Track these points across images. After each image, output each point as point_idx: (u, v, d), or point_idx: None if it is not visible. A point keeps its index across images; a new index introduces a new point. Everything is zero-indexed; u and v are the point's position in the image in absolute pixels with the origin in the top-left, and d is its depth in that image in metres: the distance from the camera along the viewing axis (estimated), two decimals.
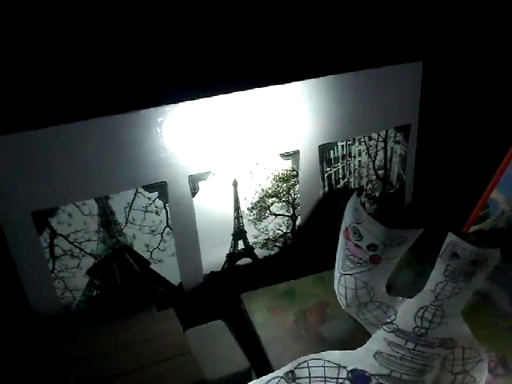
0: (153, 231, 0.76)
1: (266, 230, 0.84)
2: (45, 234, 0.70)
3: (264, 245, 0.85)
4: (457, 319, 0.66)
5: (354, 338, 0.66)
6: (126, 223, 0.74)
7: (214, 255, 0.81)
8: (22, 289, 0.71)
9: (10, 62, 0.65)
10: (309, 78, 0.78)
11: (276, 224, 0.84)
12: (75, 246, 0.72)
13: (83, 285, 0.74)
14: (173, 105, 0.71)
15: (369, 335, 0.66)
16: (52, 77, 0.68)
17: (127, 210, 0.73)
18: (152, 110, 0.70)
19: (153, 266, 0.78)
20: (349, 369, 0.60)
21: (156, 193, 0.74)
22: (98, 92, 0.71)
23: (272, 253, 0.86)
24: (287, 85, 0.77)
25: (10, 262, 0.69)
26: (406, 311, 0.69)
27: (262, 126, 0.77)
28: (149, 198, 0.74)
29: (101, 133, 0.68)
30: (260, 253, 0.85)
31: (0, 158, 0.64)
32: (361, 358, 0.62)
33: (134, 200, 0.73)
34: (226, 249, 0.82)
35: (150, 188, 0.73)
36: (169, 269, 0.79)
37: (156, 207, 0.75)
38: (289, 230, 0.86)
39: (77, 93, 0.70)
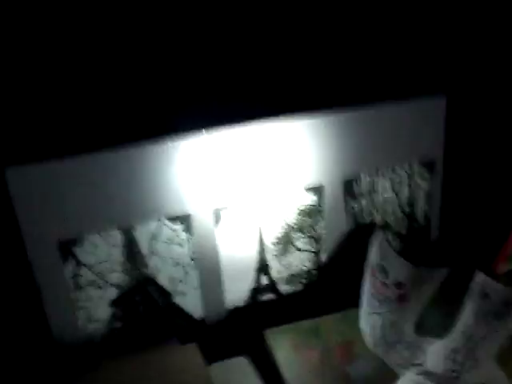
0: (177, 264, 0.75)
1: (290, 265, 0.83)
2: (70, 263, 0.70)
3: (288, 280, 0.83)
4: (491, 363, 0.64)
5: (382, 379, 0.64)
6: (150, 255, 0.73)
7: (237, 289, 0.80)
8: (45, 317, 0.71)
9: (40, 88, 0.67)
10: (334, 112, 0.78)
11: (300, 259, 0.83)
12: (99, 276, 0.72)
13: (106, 316, 0.74)
14: (197, 136, 0.71)
15: (396, 376, 0.63)
16: (78, 106, 0.69)
17: (151, 241, 0.73)
18: (177, 142, 0.70)
19: (176, 299, 0.77)
20: None
21: (180, 225, 0.74)
22: (124, 122, 0.72)
23: (296, 289, 0.84)
24: (313, 120, 0.77)
25: (35, 290, 0.69)
26: (435, 353, 0.66)
27: (286, 159, 0.77)
28: (173, 230, 0.73)
29: (127, 163, 0.69)
30: (284, 289, 0.84)
31: (27, 187, 0.65)
32: None
33: (158, 231, 0.73)
34: (250, 283, 0.81)
35: (174, 220, 0.73)
36: (191, 302, 0.78)
37: (180, 239, 0.74)
38: (313, 266, 0.84)
39: (104, 123, 0.71)
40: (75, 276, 0.70)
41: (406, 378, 0.62)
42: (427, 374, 0.63)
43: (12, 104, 0.65)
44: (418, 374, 0.63)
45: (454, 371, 0.64)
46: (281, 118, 0.75)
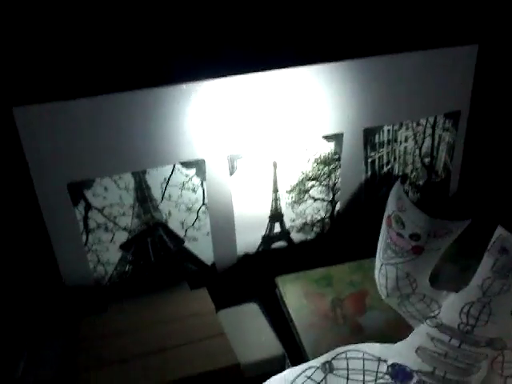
0: (189, 209, 0.74)
1: (304, 213, 0.81)
2: (80, 206, 0.68)
3: (301, 229, 0.82)
4: (506, 318, 0.62)
5: (395, 331, 0.63)
6: (162, 199, 0.72)
7: (249, 237, 0.79)
8: (55, 259, 0.70)
9: (54, 26, 0.63)
10: (357, 58, 0.74)
11: (314, 208, 0.81)
12: (109, 219, 0.70)
13: (116, 259, 0.73)
14: (215, 80, 0.68)
15: (410, 329, 0.63)
16: (94, 46, 0.66)
17: (164, 185, 0.71)
18: (194, 84, 0.67)
19: (187, 244, 0.76)
20: (389, 363, 0.57)
21: (193, 170, 0.72)
22: (139, 64, 0.68)
23: (309, 237, 0.83)
24: (333, 63, 0.73)
25: (44, 232, 0.68)
26: (450, 306, 0.65)
27: (305, 106, 0.74)
28: (186, 175, 0.71)
29: (141, 105, 0.66)
30: (296, 237, 0.82)
31: (38, 127, 0.63)
32: (402, 352, 0.59)
33: (171, 176, 0.71)
34: (262, 231, 0.80)
35: (187, 165, 0.71)
36: (203, 248, 0.77)
37: (193, 185, 0.72)
38: (327, 215, 0.83)
39: (119, 64, 0.68)
40: (85, 219, 0.69)
41: (419, 331, 0.61)
42: (441, 326, 0.62)
43: (24, 42, 0.62)
44: (432, 327, 0.62)
45: (468, 325, 0.63)
46: (301, 62, 0.72)
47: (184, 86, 0.67)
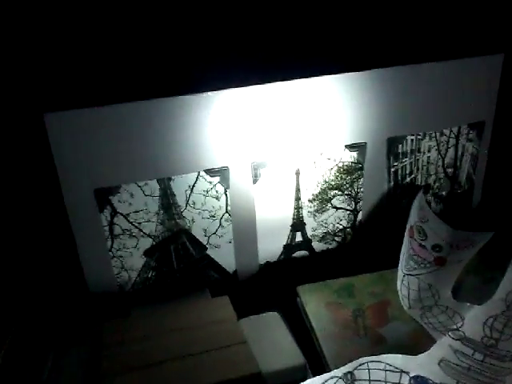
0: (212, 216, 0.74)
1: (326, 223, 0.81)
2: (106, 212, 0.69)
3: (322, 238, 0.82)
4: None
5: (417, 343, 0.63)
6: (186, 206, 0.73)
7: (270, 245, 0.79)
8: (80, 264, 0.72)
9: (83, 34, 0.65)
10: (381, 67, 0.74)
11: (336, 218, 0.81)
12: (134, 225, 0.71)
13: (139, 265, 0.74)
14: (240, 88, 0.69)
15: (432, 341, 0.62)
16: (120, 54, 0.67)
17: (188, 192, 0.72)
18: (219, 92, 0.68)
19: (209, 252, 0.76)
20: (411, 375, 0.57)
21: (217, 178, 0.72)
22: (165, 72, 0.69)
23: (330, 247, 0.83)
24: (357, 73, 0.73)
25: (71, 238, 0.70)
26: (473, 319, 0.65)
27: (328, 115, 0.74)
28: (210, 183, 0.72)
29: (168, 113, 0.67)
30: (318, 246, 0.82)
31: (67, 133, 0.64)
32: (424, 364, 0.58)
33: (195, 183, 0.72)
34: (284, 240, 0.80)
35: (211, 172, 0.72)
36: (225, 255, 0.77)
37: (216, 192, 0.73)
38: (349, 225, 0.83)
39: (145, 73, 0.69)
40: (111, 224, 0.70)
41: (442, 343, 0.61)
42: (464, 339, 0.62)
43: (56, 48, 0.63)
44: (455, 339, 0.62)
45: (492, 338, 0.62)
46: (325, 72, 0.72)
47: (208, 94, 0.68)
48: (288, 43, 0.72)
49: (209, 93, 0.68)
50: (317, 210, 0.80)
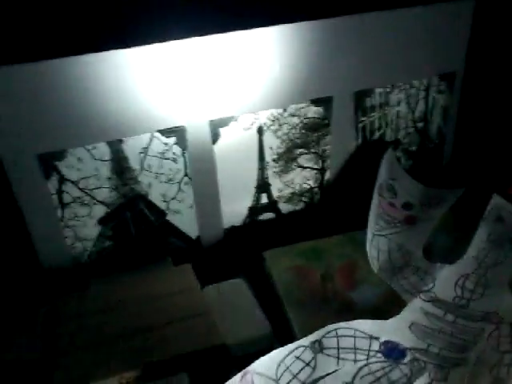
0: (170, 180, 0.69)
1: (292, 183, 0.77)
2: (52, 179, 0.64)
3: (289, 199, 0.78)
4: (503, 291, 0.60)
5: (387, 306, 0.61)
6: (141, 170, 0.67)
7: (235, 208, 0.75)
8: (30, 237, 0.66)
9: None
10: (345, 14, 0.69)
11: (303, 177, 0.77)
12: (85, 192, 0.66)
13: (94, 235, 0.69)
14: (194, 38, 0.63)
15: (404, 303, 0.60)
16: (60, 6, 0.60)
17: (142, 155, 0.67)
18: (171, 43, 0.62)
19: (169, 218, 0.72)
20: (381, 340, 0.55)
21: (173, 138, 0.67)
22: (111, 23, 0.63)
23: (297, 208, 0.80)
24: (319, 21, 0.68)
25: (16, 208, 0.64)
26: (445, 279, 0.63)
27: (291, 67, 0.69)
28: (166, 144, 0.67)
29: (115, 67, 0.61)
30: (284, 208, 0.79)
31: (2, 91, 0.57)
32: (395, 328, 0.56)
33: (149, 145, 0.66)
34: (248, 202, 0.76)
35: (166, 133, 0.66)
36: (186, 221, 0.73)
37: (173, 154, 0.68)
38: (317, 185, 0.79)
39: (88, 23, 0.62)
40: (59, 192, 0.65)
41: (413, 306, 0.59)
42: (436, 300, 0.60)
43: None
44: (426, 301, 0.60)
45: (463, 298, 0.61)
46: (284, 20, 0.66)
47: (160, 45, 0.62)
48: None
49: (158, 44, 0.62)
50: (282, 170, 0.76)
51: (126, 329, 0.59)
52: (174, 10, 0.65)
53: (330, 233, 0.74)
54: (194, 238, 0.75)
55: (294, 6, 0.69)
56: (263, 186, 0.76)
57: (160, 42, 0.62)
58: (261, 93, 0.69)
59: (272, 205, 0.78)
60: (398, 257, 0.67)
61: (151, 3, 0.63)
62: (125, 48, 0.61)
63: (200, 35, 0.63)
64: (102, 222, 0.69)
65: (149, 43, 0.61)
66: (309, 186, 0.79)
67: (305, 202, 0.80)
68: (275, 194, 0.77)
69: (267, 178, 0.75)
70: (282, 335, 0.61)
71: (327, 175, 0.79)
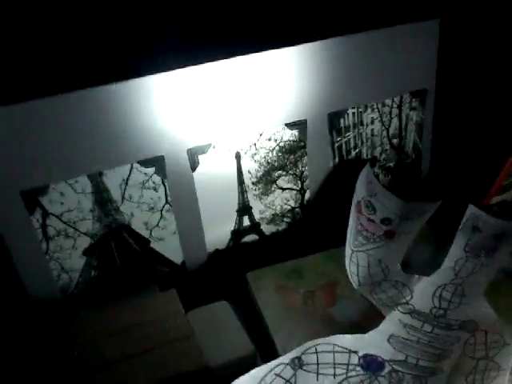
0: (151, 208, 0.71)
1: (273, 204, 0.79)
2: (36, 213, 0.66)
3: (271, 220, 0.80)
4: (479, 299, 0.61)
5: (367, 320, 0.62)
6: (123, 201, 0.69)
7: (218, 232, 0.77)
8: (16, 271, 0.68)
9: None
10: (315, 40, 0.71)
11: (283, 198, 0.79)
12: (69, 225, 0.68)
13: (80, 266, 0.71)
14: (168, 72, 0.65)
15: (382, 317, 0.61)
16: (40, 45, 0.63)
17: (123, 186, 0.69)
18: (146, 78, 0.64)
19: (153, 245, 0.73)
20: (360, 354, 0.56)
21: (153, 168, 0.69)
22: (87, 61, 0.65)
23: (279, 229, 0.81)
24: (291, 48, 0.70)
25: (1, 243, 0.66)
26: (422, 291, 0.64)
27: (265, 93, 0.72)
28: (145, 174, 0.69)
29: (92, 104, 0.63)
30: (267, 229, 0.80)
31: None
32: (374, 342, 0.57)
33: (129, 176, 0.68)
34: (231, 225, 0.78)
35: (146, 163, 0.68)
36: (170, 247, 0.75)
37: (154, 183, 0.70)
38: (297, 205, 0.81)
39: (65, 62, 0.65)
40: (43, 226, 0.67)
41: (391, 318, 0.60)
42: (414, 312, 0.61)
43: None
44: (404, 313, 0.61)
45: (441, 308, 0.62)
46: (257, 49, 0.69)
47: (136, 80, 0.64)
48: (218, 20, 0.69)
49: (135, 79, 0.64)
50: (262, 193, 0.77)
51: (112, 357, 0.60)
52: (143, 49, 0.67)
53: (313, 250, 0.75)
54: (178, 263, 0.76)
55: (264, 34, 0.72)
56: (244, 209, 0.77)
57: (138, 76, 0.64)
58: (237, 119, 0.71)
59: (254, 227, 0.79)
60: (377, 271, 0.68)
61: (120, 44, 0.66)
62: (102, 85, 0.63)
63: (172, 69, 0.65)
64: (86, 252, 0.70)
65: (127, 78, 0.64)
66: (290, 207, 0.80)
67: (287, 222, 0.81)
68: (257, 216, 0.79)
69: (248, 201, 0.77)
70: (266, 354, 0.62)
71: (307, 195, 0.81)
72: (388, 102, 0.81)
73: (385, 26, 0.75)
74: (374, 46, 0.76)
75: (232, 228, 0.78)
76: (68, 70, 0.65)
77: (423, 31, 0.79)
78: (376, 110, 0.80)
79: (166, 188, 0.71)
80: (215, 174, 0.73)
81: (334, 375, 0.54)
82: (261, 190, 0.77)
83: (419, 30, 0.78)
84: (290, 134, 0.75)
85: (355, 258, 0.69)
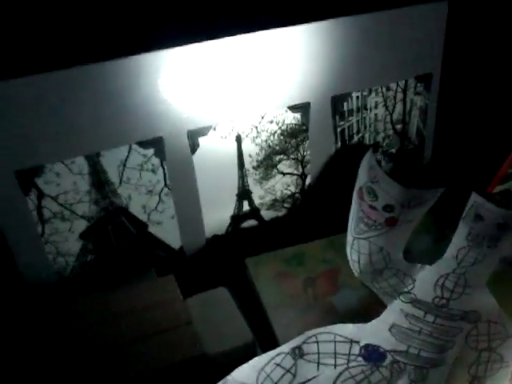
0: (150, 191, 0.70)
1: (273, 189, 0.77)
2: (31, 195, 0.64)
3: (271, 206, 0.79)
4: (481, 289, 0.61)
5: (368, 309, 0.61)
6: (120, 183, 0.68)
7: (216, 217, 0.76)
8: (11, 254, 0.66)
9: None
10: (321, 20, 0.69)
11: (284, 183, 0.78)
12: (65, 207, 0.66)
13: (76, 249, 0.69)
14: (170, 50, 0.63)
15: (384, 306, 0.60)
16: (36, 20, 0.60)
17: (120, 168, 0.67)
18: (147, 55, 0.62)
19: (151, 229, 0.72)
20: (362, 344, 0.55)
21: (152, 149, 0.67)
22: (87, 37, 0.63)
23: (279, 214, 0.80)
24: (295, 27, 0.68)
25: None
26: (424, 280, 0.63)
27: (268, 75, 0.70)
28: (144, 156, 0.67)
29: (90, 82, 0.61)
30: (266, 214, 0.79)
31: None
32: (375, 331, 0.56)
33: (127, 157, 0.66)
34: (230, 210, 0.76)
35: (145, 144, 0.67)
36: (168, 232, 0.73)
37: (152, 165, 0.68)
38: (298, 190, 0.79)
39: (63, 37, 0.62)
40: (39, 208, 0.65)
41: (393, 308, 0.59)
42: (416, 302, 0.60)
43: None
44: (405, 303, 0.60)
45: (443, 298, 0.61)
46: (261, 27, 0.67)
47: (137, 57, 0.62)
48: None
49: (137, 56, 0.62)
50: (263, 177, 0.76)
51: (109, 343, 0.59)
52: (142, 25, 0.65)
53: (313, 237, 0.74)
54: (176, 248, 0.75)
55: (268, 13, 0.70)
56: (244, 193, 0.76)
57: (137, 53, 0.62)
58: (238, 101, 0.70)
59: (254, 212, 0.78)
60: (378, 259, 0.67)
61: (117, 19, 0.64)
62: (101, 61, 0.61)
63: (176, 46, 0.63)
64: (83, 236, 0.69)
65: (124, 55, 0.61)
66: (290, 192, 0.79)
67: (287, 207, 0.80)
68: (257, 201, 0.77)
69: (248, 185, 0.75)
70: (265, 342, 0.61)
71: (308, 180, 0.79)
72: (393, 85, 0.79)
73: (391, 8, 0.73)
74: (379, 28, 0.74)
75: (231, 213, 0.76)
76: (65, 46, 0.62)
77: (431, 13, 0.77)
78: (380, 94, 0.78)
79: (164, 170, 0.69)
80: (215, 157, 0.71)
81: (335, 365, 0.53)
82: (261, 175, 0.76)
83: (427, 12, 0.76)
84: (293, 117, 0.74)
85: (356, 246, 0.68)
